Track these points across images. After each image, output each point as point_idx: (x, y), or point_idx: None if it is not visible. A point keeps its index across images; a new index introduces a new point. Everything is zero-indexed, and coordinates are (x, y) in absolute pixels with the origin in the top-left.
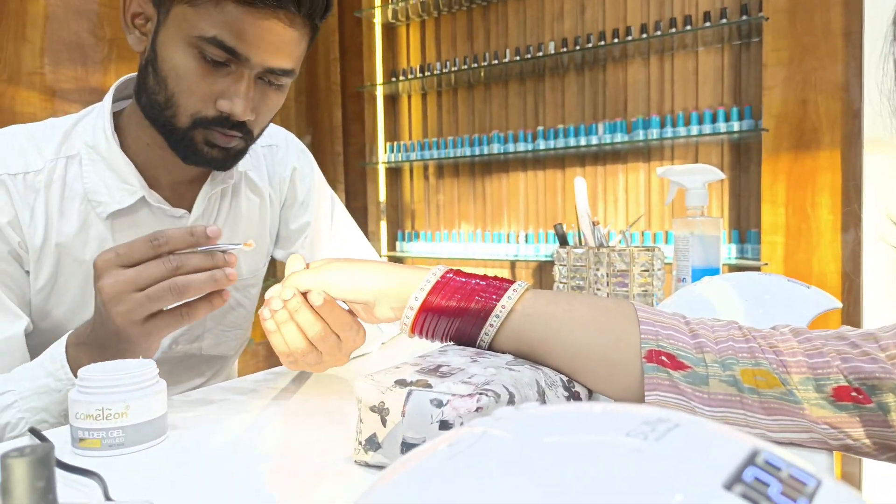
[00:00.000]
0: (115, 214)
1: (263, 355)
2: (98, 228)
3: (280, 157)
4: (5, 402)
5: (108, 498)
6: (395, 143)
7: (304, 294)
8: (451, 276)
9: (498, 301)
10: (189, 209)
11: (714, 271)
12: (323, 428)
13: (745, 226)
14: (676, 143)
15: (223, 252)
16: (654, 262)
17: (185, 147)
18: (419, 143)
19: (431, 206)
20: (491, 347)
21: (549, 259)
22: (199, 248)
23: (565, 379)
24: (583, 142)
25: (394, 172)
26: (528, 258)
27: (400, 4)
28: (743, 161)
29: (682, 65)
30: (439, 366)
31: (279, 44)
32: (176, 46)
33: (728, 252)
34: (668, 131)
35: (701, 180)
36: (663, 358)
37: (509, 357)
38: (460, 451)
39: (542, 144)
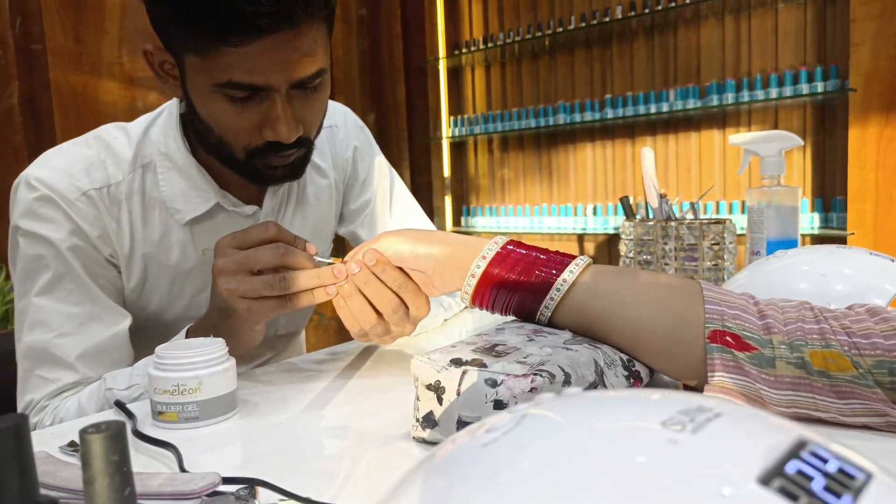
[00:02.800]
0: (192, 220)
1: (335, 329)
2: (178, 235)
3: (341, 137)
4: (133, 395)
5: (182, 469)
6: (459, 117)
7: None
8: (512, 247)
9: (559, 275)
10: (260, 204)
11: (791, 244)
12: (384, 404)
13: (829, 193)
14: (754, 108)
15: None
16: (724, 236)
17: (250, 175)
18: (483, 117)
19: (496, 179)
20: (550, 322)
21: (618, 232)
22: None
23: (625, 358)
24: (653, 109)
25: (458, 147)
26: (597, 231)
27: None
28: (828, 124)
29: (759, 24)
30: (495, 345)
31: (294, 58)
32: (203, 93)
33: (810, 222)
34: (745, 95)
35: (777, 147)
36: (728, 339)
37: (567, 335)
38: (496, 438)
39: (609, 113)
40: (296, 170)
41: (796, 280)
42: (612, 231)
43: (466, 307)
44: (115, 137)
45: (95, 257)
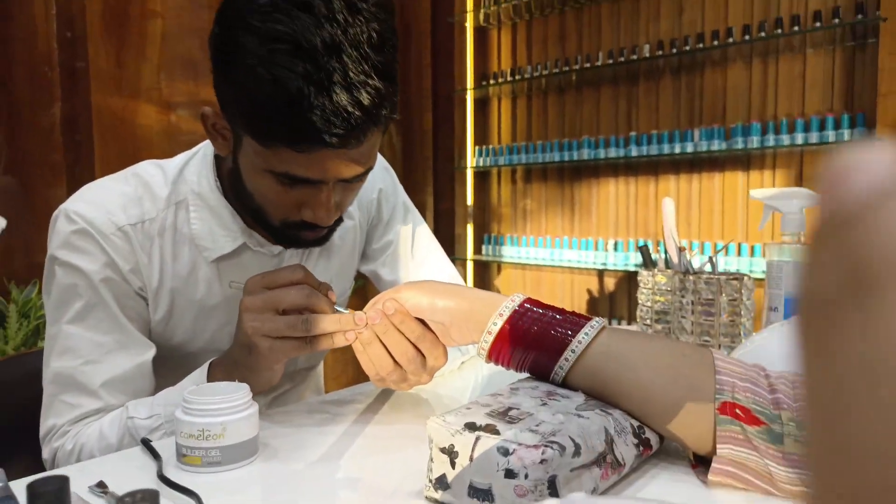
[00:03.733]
0: (219, 258)
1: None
2: (205, 271)
3: (368, 179)
4: (153, 424)
5: None
6: (485, 147)
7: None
8: (529, 306)
9: (574, 337)
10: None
11: None
12: (398, 459)
13: None
14: (779, 152)
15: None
16: (742, 292)
17: (279, 239)
18: (508, 148)
19: (518, 210)
20: (564, 382)
21: (638, 269)
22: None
23: (636, 424)
24: (677, 148)
25: (482, 176)
26: (617, 267)
27: (492, 8)
28: None
29: (787, 68)
30: (509, 408)
31: (351, 164)
32: (254, 170)
33: None
34: (770, 139)
35: (798, 205)
36: (738, 411)
37: (580, 399)
38: None
39: (634, 150)
40: (325, 238)
41: None
42: (632, 268)
43: None
44: (153, 175)
45: (126, 290)
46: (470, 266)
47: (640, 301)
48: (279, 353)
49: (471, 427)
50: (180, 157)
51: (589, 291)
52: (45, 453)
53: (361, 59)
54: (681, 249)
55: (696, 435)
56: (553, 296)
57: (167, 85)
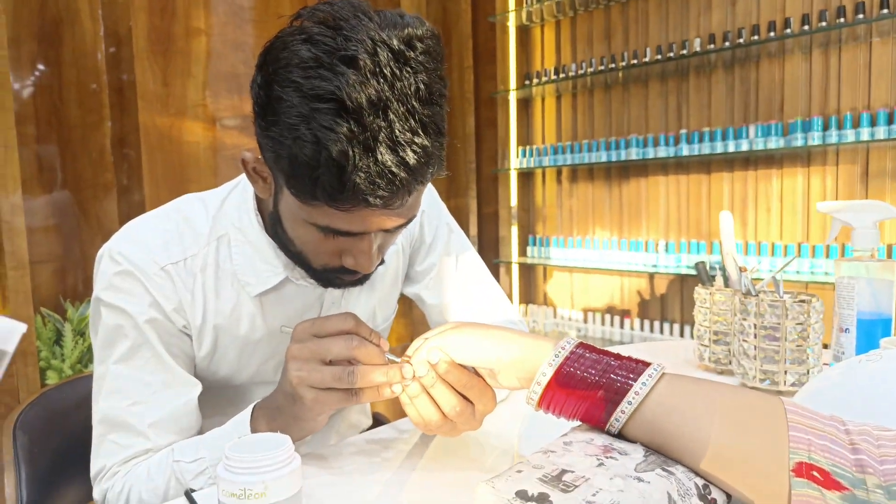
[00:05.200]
0: (262, 293)
1: None
2: (248, 306)
3: None
4: (198, 468)
5: None
6: (528, 147)
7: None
8: (582, 351)
9: (631, 387)
10: None
11: (886, 322)
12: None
13: None
14: (842, 149)
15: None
16: (810, 315)
17: (321, 281)
18: (552, 148)
19: (564, 210)
20: (621, 434)
21: (691, 272)
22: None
23: (701, 484)
24: (731, 147)
25: (526, 176)
26: (668, 269)
27: (535, 6)
28: None
29: (851, 58)
30: (563, 471)
31: (392, 218)
32: (294, 220)
33: None
34: (833, 134)
35: (871, 219)
36: (815, 473)
37: (639, 455)
38: None
39: (685, 149)
40: (365, 279)
41: (893, 387)
42: (684, 270)
43: None
44: (194, 210)
45: (170, 328)
46: (515, 269)
47: (696, 320)
48: (324, 406)
49: (523, 496)
50: (222, 190)
51: (639, 294)
52: (96, 494)
53: (409, 115)
54: (741, 270)
55: (769, 495)
56: (602, 298)
57: (212, 101)
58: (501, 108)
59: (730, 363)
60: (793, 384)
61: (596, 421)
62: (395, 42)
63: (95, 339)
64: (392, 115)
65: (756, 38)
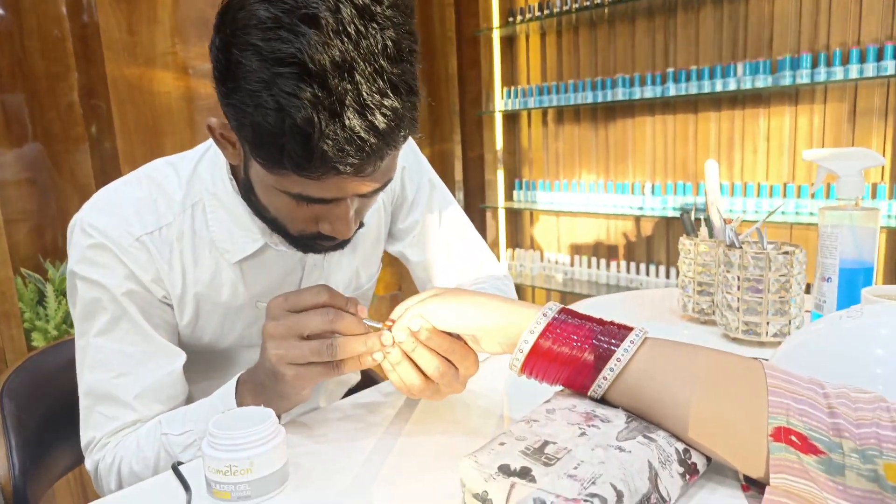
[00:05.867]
0: (242, 260)
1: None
2: (228, 273)
3: None
4: (186, 441)
5: None
6: (513, 87)
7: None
8: (564, 317)
9: (613, 353)
10: None
11: (867, 271)
12: (434, 480)
13: None
14: (831, 86)
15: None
16: (793, 266)
17: (299, 247)
18: (538, 88)
19: (550, 153)
20: (603, 399)
21: (676, 215)
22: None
23: (681, 449)
24: (719, 86)
25: (511, 119)
26: (654, 212)
27: None
28: None
29: None
30: (545, 442)
31: (367, 183)
32: (265, 188)
33: (888, 210)
34: (822, 72)
35: (856, 167)
36: (793, 438)
37: (621, 422)
38: None
39: (672, 89)
40: (345, 244)
41: (872, 345)
42: (671, 212)
43: None
44: (166, 176)
45: (149, 299)
46: (502, 214)
47: (681, 270)
48: (306, 381)
49: (505, 471)
50: (194, 153)
51: (626, 236)
52: (88, 464)
53: (376, 75)
54: (726, 221)
55: (748, 459)
56: (588, 242)
57: (182, 49)
58: (485, 48)
59: (713, 314)
60: (774, 335)
61: (578, 387)
62: None
63: (74, 312)
64: (359, 77)
65: None
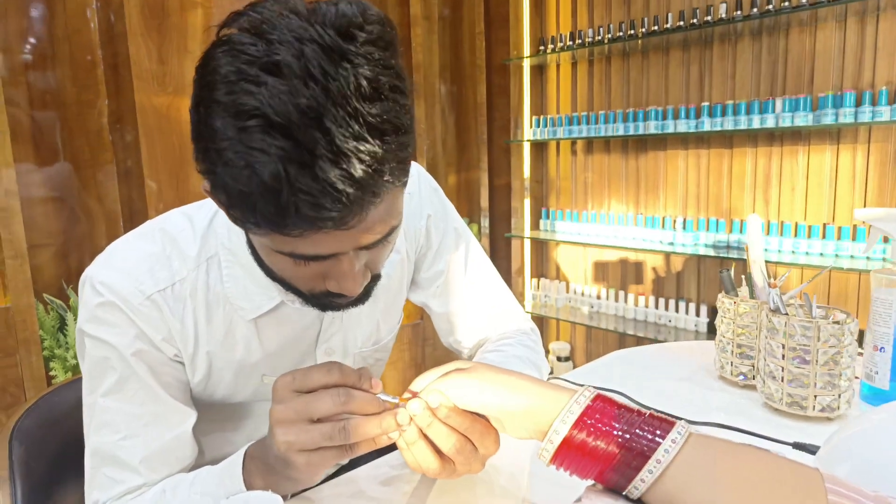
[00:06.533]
0: (258, 316)
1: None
2: (243, 330)
3: (415, 205)
4: None
5: None
6: (542, 116)
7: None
8: (600, 405)
9: (654, 451)
10: None
11: None
12: None
13: None
14: (876, 127)
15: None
16: (843, 337)
17: (316, 305)
18: (567, 118)
19: (579, 183)
20: (641, 499)
21: (709, 253)
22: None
23: None
24: (756, 122)
25: (539, 147)
26: (685, 248)
27: None
28: None
29: (888, 28)
30: None
31: (362, 234)
32: (263, 248)
33: None
34: (866, 111)
35: None
36: None
37: None
38: None
39: (706, 123)
40: (364, 298)
41: None
42: (703, 249)
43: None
44: (181, 230)
45: (160, 358)
46: (528, 245)
47: (719, 329)
48: (318, 466)
49: None
50: (211, 204)
51: (655, 271)
52: None
53: (349, 119)
54: (771, 286)
55: None
56: (616, 275)
57: None
58: (514, 76)
59: (753, 378)
60: (822, 409)
61: (613, 484)
62: (327, 37)
63: (83, 368)
64: (329, 123)
65: (786, 4)
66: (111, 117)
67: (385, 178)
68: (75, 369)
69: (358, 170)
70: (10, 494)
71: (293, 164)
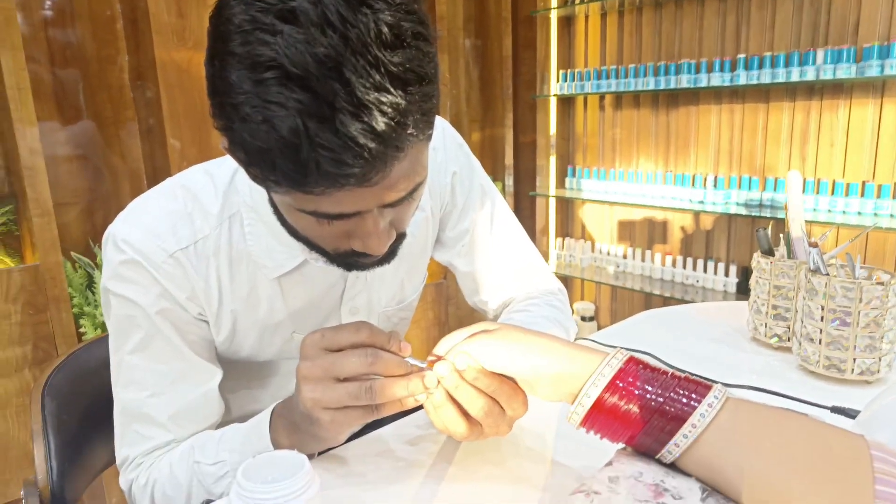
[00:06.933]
0: (281, 275)
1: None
2: (266, 289)
3: (440, 161)
4: (219, 472)
5: None
6: (569, 71)
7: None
8: (633, 367)
9: (689, 416)
10: None
11: None
12: None
13: None
14: None
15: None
16: (888, 298)
17: (340, 264)
18: (595, 72)
19: (606, 140)
20: (675, 464)
21: (741, 212)
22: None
23: None
24: (795, 75)
25: (566, 102)
26: (716, 207)
27: None
28: None
29: None
30: None
31: (385, 192)
32: (284, 207)
33: None
34: None
35: None
36: None
37: (695, 497)
38: None
39: (742, 77)
40: (389, 257)
41: None
42: (734, 208)
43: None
44: (202, 186)
45: (184, 317)
46: (552, 203)
47: (753, 291)
48: (343, 426)
49: None
50: (231, 162)
51: (683, 230)
52: (122, 482)
53: (370, 68)
54: (812, 245)
55: None
56: (643, 234)
57: None
58: (541, 28)
59: (788, 340)
60: (861, 373)
61: (645, 448)
62: None
63: (108, 325)
64: (349, 73)
65: None
66: (132, 73)
67: (409, 131)
68: (104, 326)
69: (380, 123)
70: (45, 447)
71: (312, 119)
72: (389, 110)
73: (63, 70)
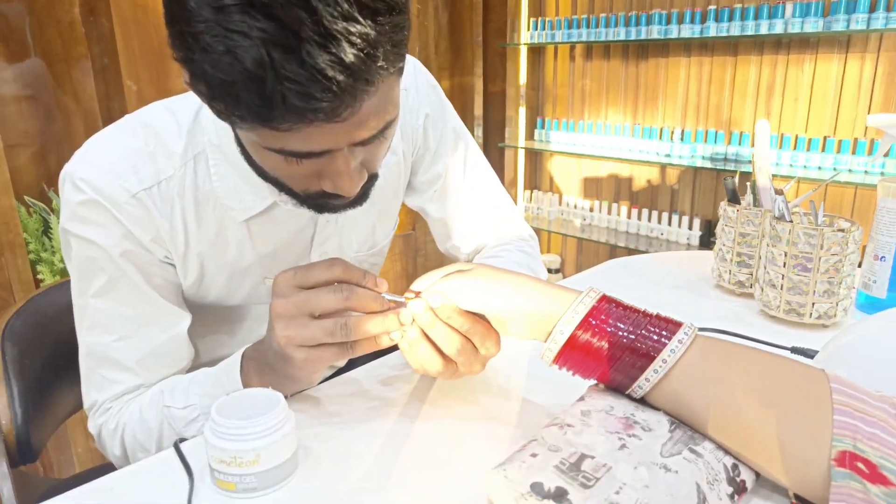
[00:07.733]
0: (249, 218)
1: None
2: (234, 231)
3: (412, 103)
4: (189, 416)
5: None
6: (540, 19)
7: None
8: (605, 306)
9: (659, 351)
10: None
11: None
12: (454, 474)
13: None
14: (888, 35)
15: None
16: (847, 244)
17: (311, 206)
18: (566, 21)
19: (576, 91)
20: (645, 398)
21: (707, 165)
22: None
23: (730, 465)
24: (764, 27)
25: (536, 52)
26: (682, 160)
27: None
28: None
29: None
30: (582, 456)
31: (355, 129)
32: (251, 145)
33: None
34: (880, 17)
35: None
36: (860, 465)
37: (664, 432)
38: None
39: (712, 29)
40: (361, 199)
41: None
42: (700, 161)
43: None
44: (165, 124)
45: (149, 259)
46: (521, 155)
47: (719, 238)
48: (317, 364)
49: (538, 491)
50: (195, 98)
51: (649, 183)
52: (91, 427)
53: None
54: (778, 192)
55: (805, 482)
56: (610, 187)
57: None
58: None
59: (750, 286)
60: (819, 317)
61: (617, 384)
62: None
63: (70, 268)
64: (315, 1)
65: None
66: (83, 7)
67: (379, 64)
68: (63, 272)
69: (349, 54)
70: (7, 394)
71: (277, 49)
72: (358, 41)
73: (7, 3)
